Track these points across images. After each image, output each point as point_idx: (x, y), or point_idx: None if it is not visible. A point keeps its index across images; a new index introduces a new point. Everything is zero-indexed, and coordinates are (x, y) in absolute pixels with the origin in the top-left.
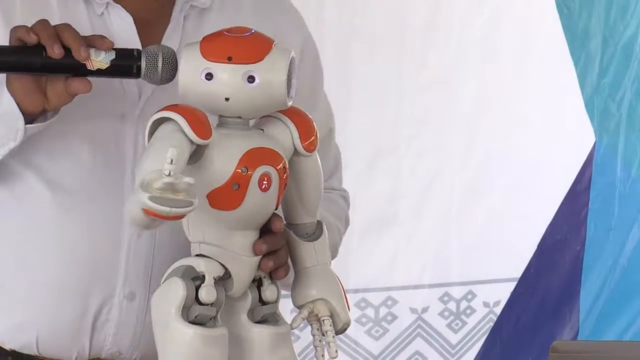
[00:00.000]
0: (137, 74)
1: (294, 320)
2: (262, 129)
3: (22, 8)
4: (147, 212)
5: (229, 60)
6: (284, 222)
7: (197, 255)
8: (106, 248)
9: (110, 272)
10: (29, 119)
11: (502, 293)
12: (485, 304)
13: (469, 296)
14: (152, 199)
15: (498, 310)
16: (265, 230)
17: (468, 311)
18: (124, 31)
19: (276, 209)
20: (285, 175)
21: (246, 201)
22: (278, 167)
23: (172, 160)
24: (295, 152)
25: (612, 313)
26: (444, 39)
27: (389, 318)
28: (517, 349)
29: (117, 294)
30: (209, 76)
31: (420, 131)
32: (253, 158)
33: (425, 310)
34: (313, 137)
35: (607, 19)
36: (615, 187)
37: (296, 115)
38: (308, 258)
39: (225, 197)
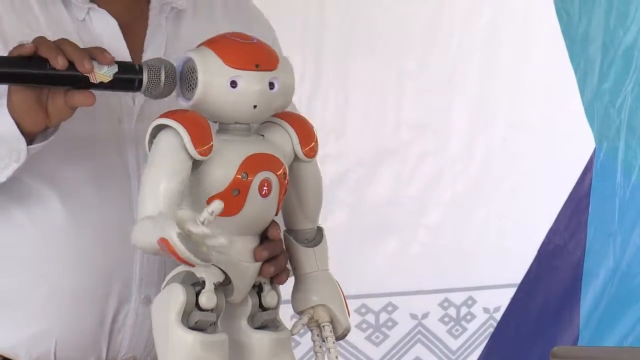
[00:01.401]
0: (138, 88)
1: (294, 326)
2: (262, 135)
3: (5, 12)
4: (164, 242)
5: (257, 67)
6: (284, 228)
7: None
8: (121, 253)
9: (126, 277)
10: (30, 137)
11: (502, 299)
12: (486, 310)
13: (469, 302)
14: (180, 236)
15: (498, 316)
16: (265, 237)
17: (468, 317)
18: (109, 36)
19: (276, 214)
20: (285, 180)
21: (246, 207)
22: (278, 173)
23: (212, 212)
24: (296, 157)
25: (612, 319)
26: (444, 43)
27: (389, 324)
28: (518, 354)
29: (133, 298)
30: (234, 84)
31: (420, 135)
32: (253, 164)
33: (425, 316)
34: (313, 143)
35: (607, 24)
36: (615, 192)
37: (296, 121)
38: (308, 264)
39: (225, 203)
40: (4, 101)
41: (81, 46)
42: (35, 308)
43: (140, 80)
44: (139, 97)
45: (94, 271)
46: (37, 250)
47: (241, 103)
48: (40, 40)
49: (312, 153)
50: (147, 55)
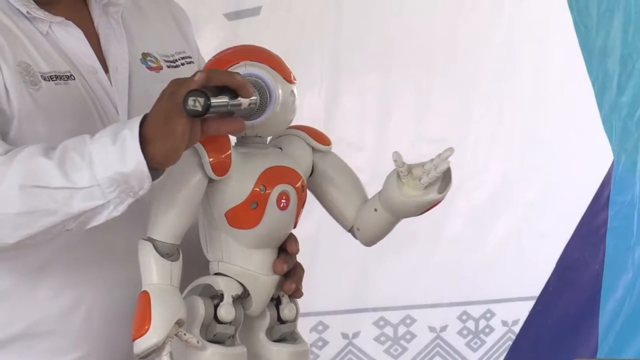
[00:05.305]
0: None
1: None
2: (280, 148)
3: None
4: (144, 296)
5: (294, 80)
6: (347, 230)
7: (215, 273)
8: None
9: None
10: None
11: (521, 312)
12: (504, 323)
13: (488, 315)
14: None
15: (517, 329)
16: (282, 249)
17: (487, 330)
18: (76, 46)
19: (295, 227)
20: (303, 193)
21: (264, 220)
22: (296, 186)
23: (199, 341)
24: (315, 151)
25: (631, 331)
26: (462, 57)
27: (408, 337)
28: None
29: None
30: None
31: (439, 149)
32: (271, 176)
33: (444, 328)
34: (326, 139)
35: (625, 37)
36: (634, 205)
37: (311, 130)
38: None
39: (243, 216)
40: (127, 136)
41: (55, 57)
42: (72, 335)
43: (256, 103)
44: (122, 107)
45: (123, 293)
46: (70, 277)
47: (289, 116)
48: (214, 70)
49: (327, 141)
50: (113, 59)
